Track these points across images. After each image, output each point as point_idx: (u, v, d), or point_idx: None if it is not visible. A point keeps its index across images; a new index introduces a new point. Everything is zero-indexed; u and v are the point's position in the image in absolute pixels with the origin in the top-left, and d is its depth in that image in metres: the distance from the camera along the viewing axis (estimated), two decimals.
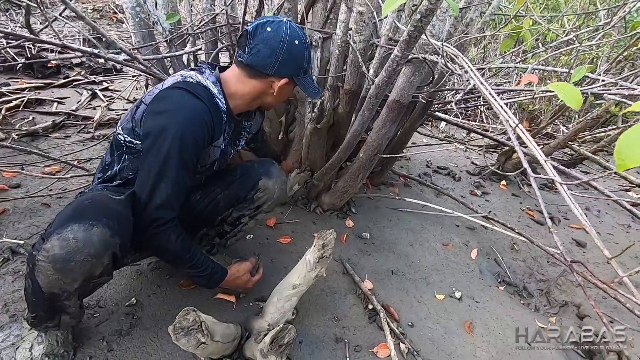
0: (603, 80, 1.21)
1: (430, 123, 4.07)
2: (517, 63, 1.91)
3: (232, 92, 1.07)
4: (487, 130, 3.72)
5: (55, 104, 2.48)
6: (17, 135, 2.01)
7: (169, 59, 1.99)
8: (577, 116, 3.97)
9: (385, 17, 1.54)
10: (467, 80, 0.94)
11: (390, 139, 1.91)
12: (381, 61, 1.49)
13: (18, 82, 2.60)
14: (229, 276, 1.16)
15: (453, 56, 1.04)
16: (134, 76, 2.96)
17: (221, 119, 1.06)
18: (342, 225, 1.94)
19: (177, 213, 0.98)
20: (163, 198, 0.93)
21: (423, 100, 1.69)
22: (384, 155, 1.78)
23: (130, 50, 1.50)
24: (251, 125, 1.29)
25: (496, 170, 1.08)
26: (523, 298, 1.87)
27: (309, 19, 1.72)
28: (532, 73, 1.60)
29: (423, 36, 1.12)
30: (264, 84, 1.05)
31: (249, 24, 1.03)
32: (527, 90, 1.31)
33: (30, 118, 2.22)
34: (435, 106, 2.41)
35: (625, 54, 2.42)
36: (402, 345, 1.31)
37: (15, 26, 3.20)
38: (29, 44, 2.79)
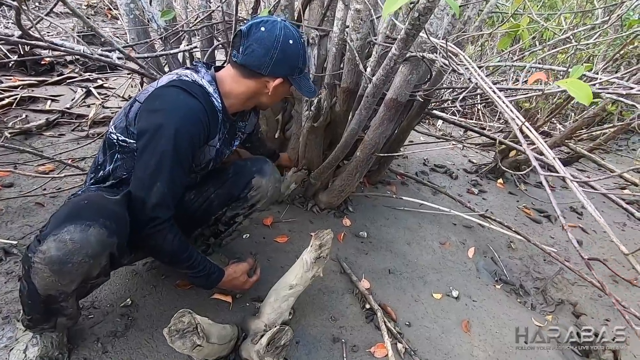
0: (600, 79, 1.20)
1: (427, 121, 4.07)
2: (514, 61, 1.90)
3: (226, 92, 1.06)
4: (485, 129, 3.72)
5: (49, 101, 2.45)
6: (10, 133, 1.98)
7: (164, 56, 1.97)
8: (573, 114, 3.98)
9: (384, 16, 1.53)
10: (469, 79, 0.94)
11: (388, 138, 1.90)
12: (379, 59, 1.48)
13: (11, 79, 2.57)
14: (226, 277, 1.15)
15: (453, 54, 1.03)
16: (128, 74, 2.93)
17: (217, 118, 1.05)
18: (339, 224, 1.93)
19: (172, 212, 0.97)
20: (159, 197, 0.92)
21: (420, 99, 1.68)
22: (382, 154, 1.78)
23: (124, 48, 1.47)
24: (245, 126, 1.28)
25: (503, 168, 1.07)
26: (520, 296, 1.87)
27: (306, 16, 1.70)
28: (530, 71, 1.60)
29: (421, 34, 1.11)
30: (259, 84, 1.04)
31: (244, 22, 1.02)
32: (535, 89, 1.30)
33: (24, 116, 2.19)
34: (433, 104, 2.41)
35: (622, 52, 2.43)
36: (399, 345, 1.30)
37: (7, 22, 3.15)
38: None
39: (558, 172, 0.79)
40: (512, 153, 2.93)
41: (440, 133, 3.87)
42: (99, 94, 2.74)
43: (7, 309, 1.14)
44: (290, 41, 0.99)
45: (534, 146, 0.84)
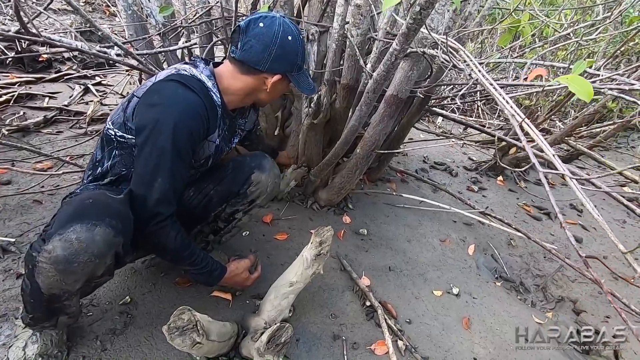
0: (602, 75, 1.19)
1: (427, 118, 4.06)
2: (515, 58, 1.90)
3: (225, 87, 1.05)
4: (484, 126, 3.72)
5: (47, 98, 2.43)
6: (7, 130, 1.96)
7: (163, 54, 1.96)
8: (573, 112, 3.98)
9: (384, 10, 1.52)
10: (469, 75, 0.93)
11: (388, 135, 1.89)
12: (379, 55, 1.47)
13: (8, 76, 2.55)
14: (228, 273, 1.14)
15: (454, 50, 1.02)
16: (127, 70, 2.91)
17: (216, 113, 1.04)
18: (339, 222, 1.93)
19: (175, 208, 0.96)
20: (161, 193, 0.91)
21: (421, 95, 1.68)
22: (382, 151, 1.77)
23: (122, 44, 1.46)
24: (245, 123, 1.27)
25: (502, 165, 1.07)
26: (520, 294, 1.87)
27: (306, 12, 1.69)
28: (531, 68, 1.59)
29: (422, 30, 1.10)
30: (257, 80, 1.03)
31: (243, 18, 1.01)
32: (536, 85, 1.29)
33: (21, 113, 2.18)
34: (433, 101, 2.40)
35: (622, 49, 2.42)
36: (399, 342, 1.30)
37: (5, 18, 3.13)
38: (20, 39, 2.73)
39: (557, 170, 0.79)
40: (512, 150, 2.92)
41: (440, 130, 3.86)
42: (97, 91, 2.73)
43: (4, 307, 1.13)
44: (289, 37, 0.98)
45: (534, 143, 0.84)
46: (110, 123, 1.02)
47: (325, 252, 1.13)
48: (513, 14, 1.62)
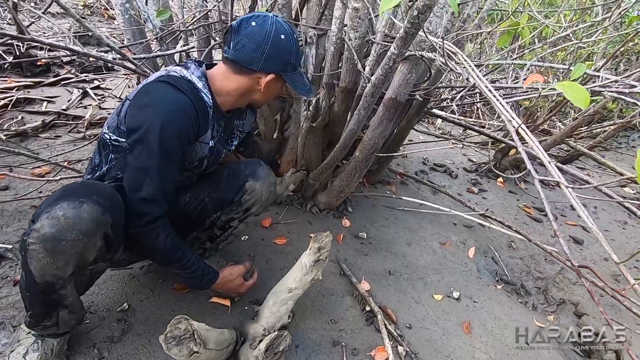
0: (602, 77, 1.19)
1: (426, 120, 4.05)
2: (514, 59, 1.89)
3: (218, 89, 1.04)
4: (484, 127, 3.71)
5: (45, 103, 2.43)
6: (5, 135, 1.96)
7: (161, 58, 1.95)
8: (573, 112, 3.96)
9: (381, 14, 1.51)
10: (467, 79, 0.92)
11: (387, 137, 1.88)
12: (377, 58, 1.46)
13: (6, 80, 2.54)
14: (220, 279, 1.13)
15: (452, 53, 1.01)
16: (125, 74, 2.91)
17: (207, 114, 1.02)
18: (338, 225, 1.92)
19: (165, 208, 0.96)
20: (150, 192, 0.91)
21: (420, 98, 1.67)
22: (381, 154, 1.76)
23: (119, 48, 1.45)
24: (243, 125, 1.26)
25: (496, 171, 1.06)
26: (521, 296, 1.86)
27: (304, 15, 1.68)
28: (530, 69, 1.58)
29: (420, 32, 1.09)
30: (251, 80, 1.02)
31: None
32: (534, 90, 1.28)
33: (19, 118, 2.17)
34: (432, 103, 2.39)
35: (621, 49, 2.41)
36: (400, 348, 1.29)
37: (3, 22, 3.13)
38: (17, 42, 2.73)
39: (553, 177, 0.78)
40: (512, 151, 2.92)
41: (440, 132, 3.85)
42: (96, 95, 2.72)
43: (1, 315, 1.12)
44: (282, 36, 0.97)
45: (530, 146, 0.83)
46: (106, 127, 1.02)
47: (324, 258, 1.12)
48: (512, 15, 1.61)
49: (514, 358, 1.41)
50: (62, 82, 2.77)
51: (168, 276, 1.35)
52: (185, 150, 1.00)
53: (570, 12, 2.55)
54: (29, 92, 2.50)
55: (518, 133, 0.81)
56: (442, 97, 2.97)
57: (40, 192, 1.64)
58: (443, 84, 1.74)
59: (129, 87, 2.89)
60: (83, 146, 2.06)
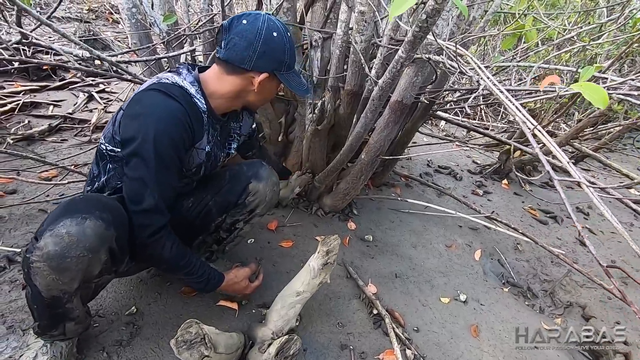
0: (612, 80, 1.18)
1: (430, 122, 4.04)
2: (519, 61, 1.89)
3: (211, 92, 1.02)
4: (488, 128, 3.70)
5: (51, 107, 2.44)
6: (12, 139, 1.97)
7: (167, 61, 1.96)
8: (577, 113, 3.95)
9: (387, 17, 1.51)
10: (477, 81, 0.92)
11: (392, 140, 1.88)
12: (383, 61, 1.46)
13: (13, 85, 2.56)
14: (226, 281, 1.14)
15: (460, 56, 1.01)
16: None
17: (201, 119, 1.00)
18: (344, 228, 1.92)
19: (168, 217, 0.95)
20: (151, 204, 0.90)
21: (426, 101, 1.67)
22: (386, 157, 1.76)
23: (125, 52, 1.46)
24: (240, 127, 1.23)
25: (515, 172, 1.06)
26: (527, 299, 1.85)
27: (309, 18, 1.69)
28: (537, 71, 1.58)
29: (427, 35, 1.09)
30: (244, 80, 0.99)
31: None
32: (549, 91, 1.28)
33: (26, 122, 2.19)
34: (437, 105, 2.39)
35: (627, 50, 2.40)
36: (408, 352, 1.28)
37: (10, 27, 3.15)
38: (23, 47, 2.74)
39: (571, 177, 0.78)
40: (517, 153, 2.91)
41: (444, 133, 3.85)
42: (101, 98, 2.73)
43: (11, 318, 1.12)
44: (275, 34, 0.94)
45: (544, 148, 0.83)
46: (102, 137, 1.01)
47: (332, 261, 1.12)
48: (516, 17, 1.61)
49: None
50: (68, 86, 2.80)
51: (175, 279, 1.35)
52: (181, 157, 0.98)
53: (574, 15, 2.55)
54: (35, 96, 2.52)
55: (534, 135, 0.81)
56: (447, 99, 2.97)
57: (48, 195, 1.65)
58: (452, 87, 1.74)
59: (133, 90, 2.90)
60: (89, 150, 2.07)
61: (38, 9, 3.92)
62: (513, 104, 0.80)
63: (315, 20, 1.61)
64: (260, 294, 1.35)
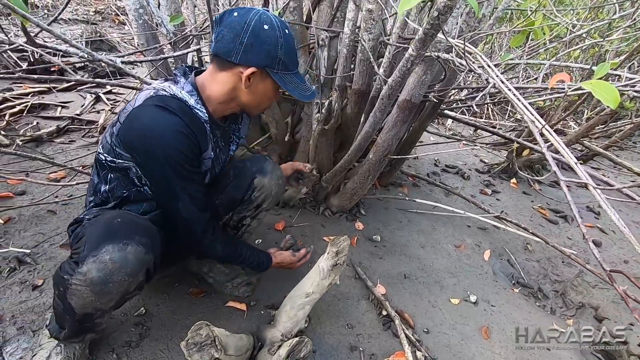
0: (627, 77, 1.16)
1: (437, 120, 4.01)
2: (528, 59, 1.86)
3: (207, 96, 0.98)
4: (495, 127, 3.66)
5: (59, 108, 2.46)
6: (21, 141, 1.98)
7: (173, 61, 1.96)
8: (587, 111, 3.90)
9: (395, 15, 1.50)
10: (486, 80, 0.90)
11: (400, 139, 1.87)
12: (391, 60, 1.45)
13: (21, 86, 2.58)
14: (274, 260, 1.24)
15: (469, 54, 0.99)
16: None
17: (204, 130, 0.97)
18: (351, 228, 1.90)
19: (208, 217, 1.01)
20: (189, 214, 0.96)
21: (435, 100, 1.65)
22: (394, 157, 1.74)
23: (132, 53, 1.46)
24: (239, 129, 1.21)
25: (523, 173, 1.05)
26: (538, 300, 1.82)
27: (315, 17, 1.68)
28: (549, 69, 1.55)
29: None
30: (233, 76, 0.94)
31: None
32: (559, 90, 1.26)
33: (35, 123, 2.20)
34: (445, 104, 2.36)
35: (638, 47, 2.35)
36: (418, 354, 1.27)
37: (18, 30, 3.18)
38: (31, 50, 2.77)
39: (579, 177, 0.76)
40: (525, 152, 2.87)
41: (451, 132, 3.82)
42: (108, 99, 2.75)
43: (21, 319, 1.12)
44: (265, 26, 0.88)
45: (552, 147, 0.81)
46: (100, 147, 0.99)
47: (342, 262, 1.11)
48: (525, 14, 1.59)
49: None
50: (76, 88, 2.81)
51: (183, 280, 1.35)
52: (194, 164, 0.97)
53: (584, 11, 2.51)
54: (43, 97, 2.54)
55: (542, 134, 0.79)
56: (454, 98, 2.94)
57: (56, 196, 1.65)
58: (461, 85, 1.72)
59: (140, 91, 2.91)
60: (97, 151, 2.08)
61: (45, 11, 3.95)
62: (521, 102, 0.79)
63: (322, 19, 1.60)
64: (269, 295, 1.35)
